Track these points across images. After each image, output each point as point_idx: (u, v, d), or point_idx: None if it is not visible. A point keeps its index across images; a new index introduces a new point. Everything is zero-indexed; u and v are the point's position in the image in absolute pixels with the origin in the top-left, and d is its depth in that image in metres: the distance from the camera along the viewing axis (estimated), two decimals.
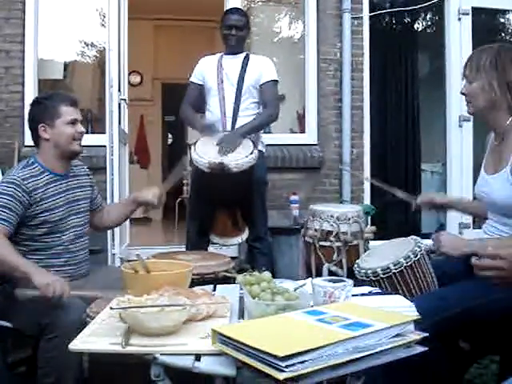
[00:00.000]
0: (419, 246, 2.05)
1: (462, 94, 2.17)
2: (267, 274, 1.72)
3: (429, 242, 2.12)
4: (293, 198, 4.52)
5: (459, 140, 5.16)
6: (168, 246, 4.82)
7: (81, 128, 2.51)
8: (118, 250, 4.02)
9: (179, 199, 6.91)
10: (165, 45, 8.46)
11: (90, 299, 2.06)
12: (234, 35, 3.65)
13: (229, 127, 3.58)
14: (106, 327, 1.57)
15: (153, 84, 8.82)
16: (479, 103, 2.10)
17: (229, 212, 3.52)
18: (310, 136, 5.05)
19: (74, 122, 2.48)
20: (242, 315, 1.70)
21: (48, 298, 2.07)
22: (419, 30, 6.04)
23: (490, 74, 2.05)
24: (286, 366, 1.13)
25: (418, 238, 2.14)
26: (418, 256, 2.02)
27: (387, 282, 2.01)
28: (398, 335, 1.34)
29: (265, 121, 3.71)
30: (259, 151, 3.45)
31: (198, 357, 1.36)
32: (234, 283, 1.91)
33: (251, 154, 3.28)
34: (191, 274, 1.87)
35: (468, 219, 4.95)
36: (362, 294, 1.86)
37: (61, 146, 2.46)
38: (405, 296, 1.92)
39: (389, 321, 1.35)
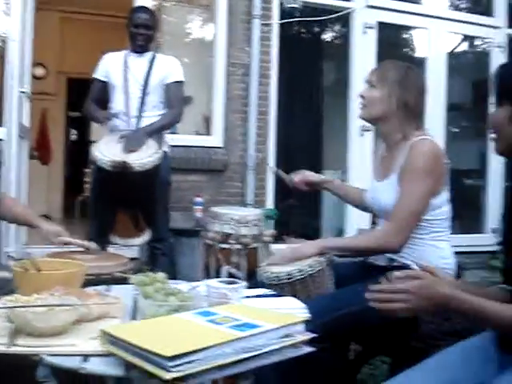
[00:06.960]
0: (325, 256, 2.11)
1: (361, 96, 2.26)
2: (161, 275, 1.71)
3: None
4: (197, 200, 4.52)
5: (359, 149, 5.35)
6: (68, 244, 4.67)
7: None
8: (12, 248, 3.87)
9: (80, 197, 6.75)
10: (71, 38, 8.19)
11: None
12: (142, 34, 3.61)
13: (133, 126, 3.53)
14: None
15: (57, 78, 8.53)
16: (374, 111, 2.20)
17: (130, 213, 3.45)
18: (216, 139, 5.07)
19: None
20: (135, 316, 1.68)
21: None
22: (327, 40, 6.22)
23: (392, 88, 2.14)
24: (173, 366, 1.13)
25: None
26: (323, 266, 2.07)
27: (289, 288, 2.04)
28: (287, 336, 1.37)
29: (169, 121, 3.69)
30: (163, 151, 3.43)
31: (86, 357, 1.34)
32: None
33: (155, 153, 3.25)
34: (84, 273, 1.84)
35: (366, 224, 5.13)
36: (257, 296, 1.89)
37: None
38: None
39: (278, 322, 1.38)
